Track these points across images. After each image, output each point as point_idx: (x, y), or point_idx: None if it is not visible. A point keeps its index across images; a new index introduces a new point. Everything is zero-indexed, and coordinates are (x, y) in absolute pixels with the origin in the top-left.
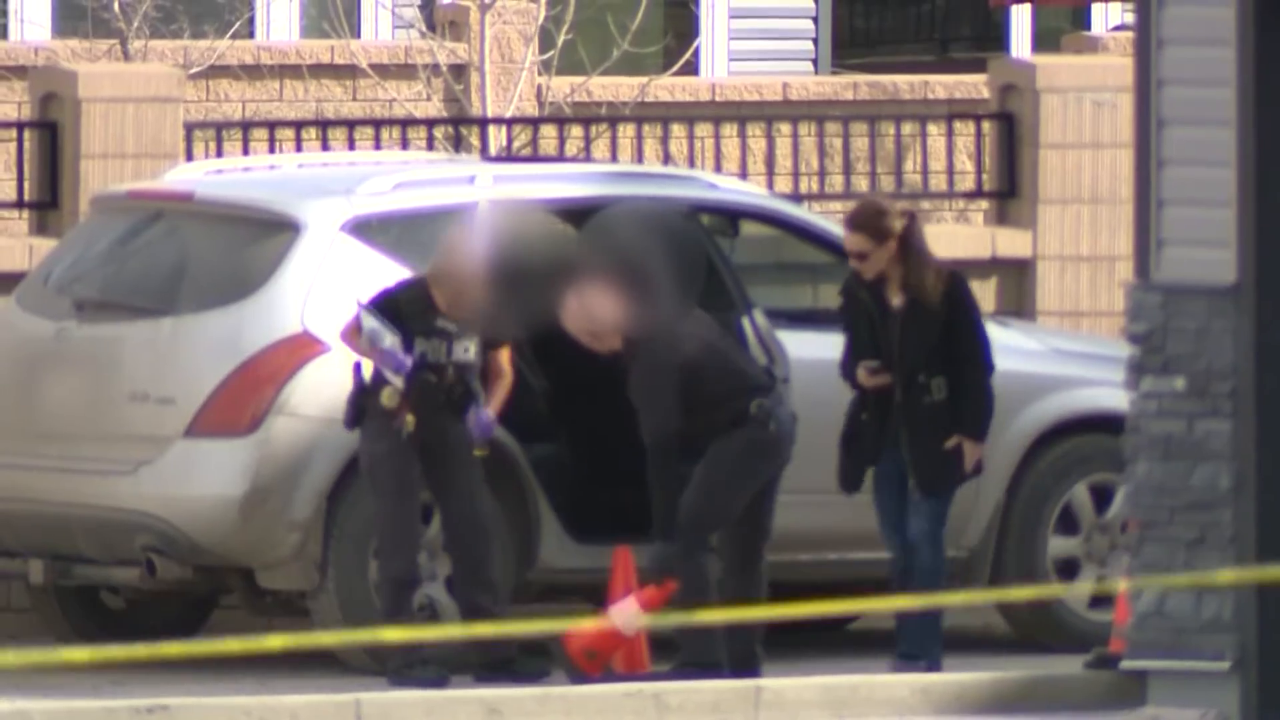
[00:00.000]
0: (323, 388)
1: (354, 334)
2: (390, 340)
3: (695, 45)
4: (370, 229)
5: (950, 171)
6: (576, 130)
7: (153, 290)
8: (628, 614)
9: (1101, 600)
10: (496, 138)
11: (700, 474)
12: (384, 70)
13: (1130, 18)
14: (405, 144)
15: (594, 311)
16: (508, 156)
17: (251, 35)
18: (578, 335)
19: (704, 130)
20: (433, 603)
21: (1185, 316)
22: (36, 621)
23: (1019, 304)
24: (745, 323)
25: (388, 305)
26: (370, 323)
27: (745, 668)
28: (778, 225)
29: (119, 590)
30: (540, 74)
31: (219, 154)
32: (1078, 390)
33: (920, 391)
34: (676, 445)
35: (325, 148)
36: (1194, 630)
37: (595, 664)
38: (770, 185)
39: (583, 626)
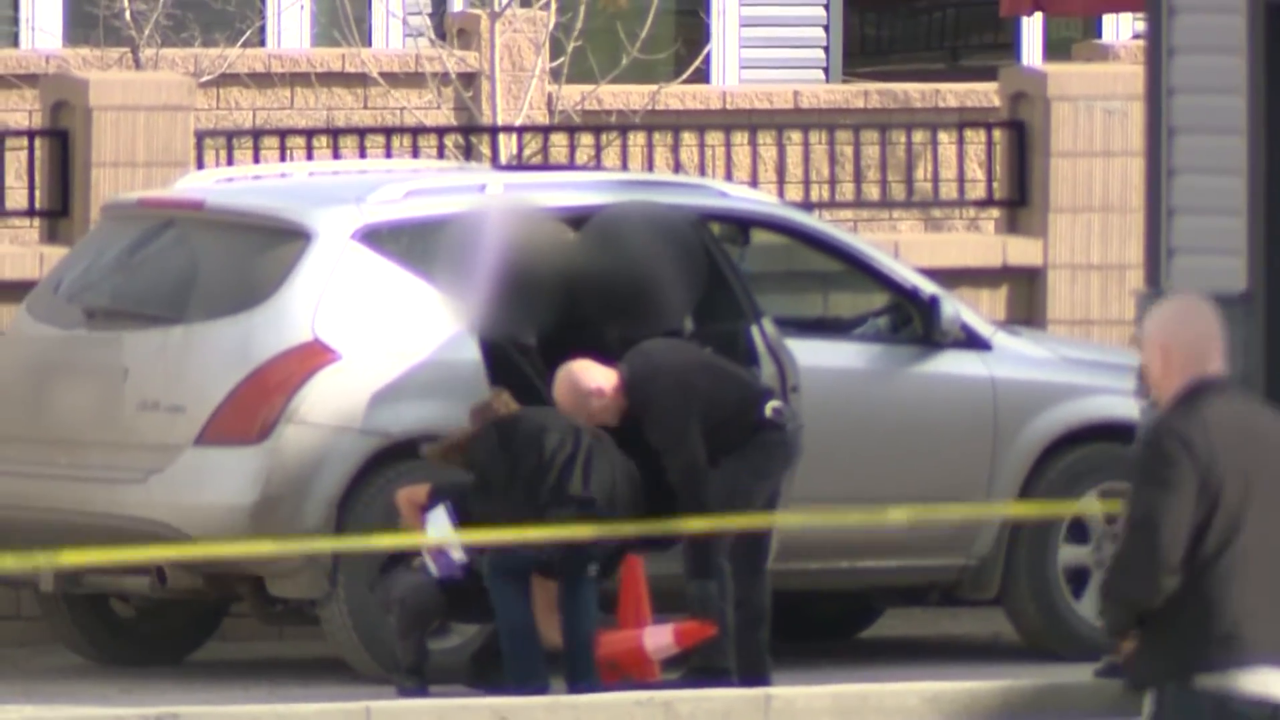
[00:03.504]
0: (333, 396)
1: (413, 510)
2: (458, 556)
3: (706, 53)
4: (381, 237)
5: (961, 180)
6: (587, 138)
7: (163, 298)
8: (661, 643)
9: None
10: (507, 146)
11: (722, 480)
12: (394, 78)
13: (1143, 26)
14: (416, 152)
15: (581, 382)
16: (518, 165)
17: (262, 43)
18: (569, 412)
19: (715, 138)
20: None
21: None
22: (46, 629)
23: (1029, 312)
24: (755, 331)
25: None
26: (443, 529)
27: (754, 675)
28: (788, 233)
29: (129, 598)
30: (550, 82)
31: (230, 162)
32: (1088, 399)
33: None
34: (708, 479)
35: (336, 156)
36: None
37: (612, 675)
38: (781, 193)
39: (615, 637)
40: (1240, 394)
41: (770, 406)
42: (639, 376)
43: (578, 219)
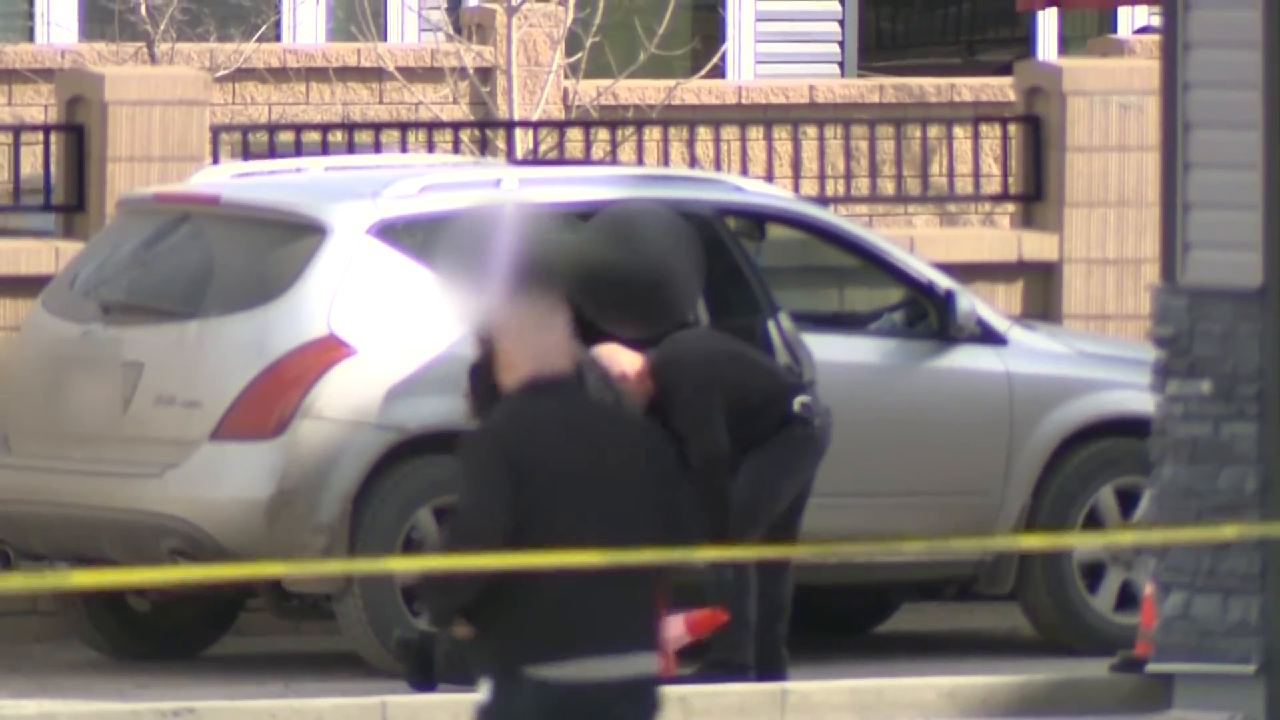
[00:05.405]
0: (349, 391)
1: None
2: None
3: (722, 48)
4: (396, 232)
5: (976, 174)
6: (603, 134)
7: (179, 293)
8: (673, 632)
9: (1127, 603)
10: (523, 141)
11: (748, 474)
12: (410, 73)
13: (1156, 20)
14: (431, 147)
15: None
16: (534, 160)
17: (278, 38)
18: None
19: (730, 133)
20: None
21: (1211, 319)
22: (62, 624)
23: (1045, 307)
24: (771, 325)
25: None
26: None
27: (771, 670)
28: (804, 228)
29: (145, 593)
30: (567, 77)
31: (245, 157)
32: (1104, 393)
33: None
34: (728, 466)
35: (351, 151)
36: (1219, 634)
37: None
38: (796, 188)
39: None
40: (578, 392)
41: (799, 401)
42: (665, 362)
43: (593, 214)
